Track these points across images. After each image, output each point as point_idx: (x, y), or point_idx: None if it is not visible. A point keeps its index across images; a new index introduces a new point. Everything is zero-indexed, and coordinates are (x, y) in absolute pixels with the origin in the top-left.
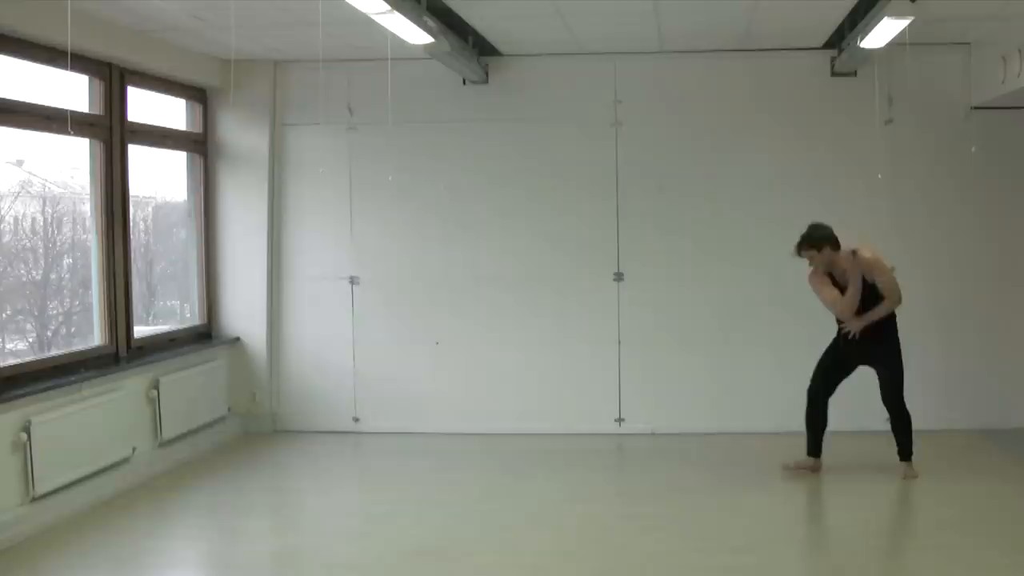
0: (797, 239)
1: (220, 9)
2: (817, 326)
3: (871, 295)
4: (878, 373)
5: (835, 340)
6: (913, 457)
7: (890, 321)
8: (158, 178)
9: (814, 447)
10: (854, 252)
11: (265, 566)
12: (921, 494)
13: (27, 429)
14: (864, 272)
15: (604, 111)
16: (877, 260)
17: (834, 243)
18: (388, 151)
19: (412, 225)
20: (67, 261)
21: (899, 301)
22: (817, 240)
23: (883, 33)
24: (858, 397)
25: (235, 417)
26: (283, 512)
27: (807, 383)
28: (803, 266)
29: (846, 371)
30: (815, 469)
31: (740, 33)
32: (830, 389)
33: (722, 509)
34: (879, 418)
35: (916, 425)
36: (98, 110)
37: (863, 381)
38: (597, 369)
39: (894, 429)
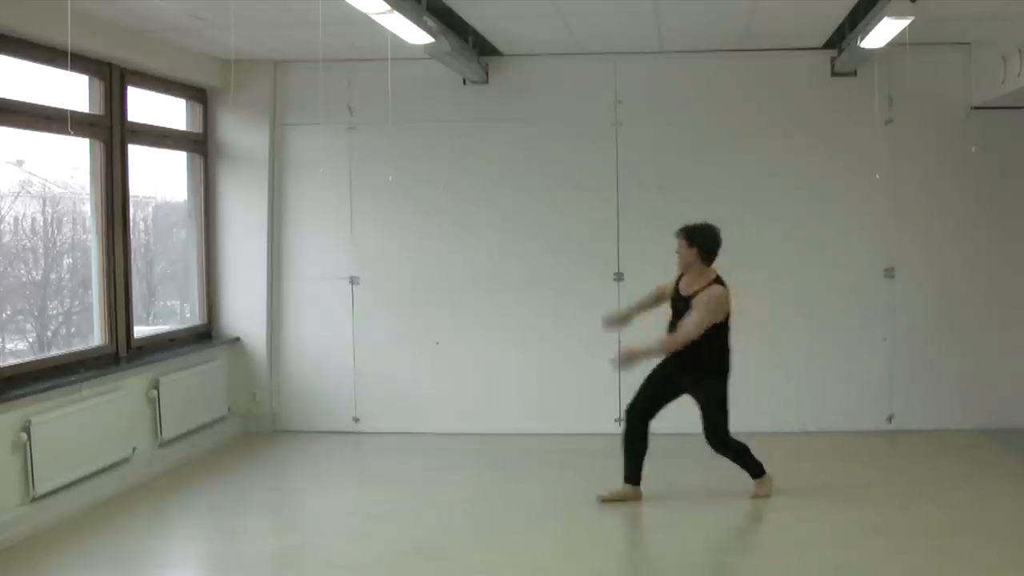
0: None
1: (220, 9)
2: (817, 326)
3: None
4: (697, 403)
5: (665, 360)
6: (766, 473)
7: (705, 363)
8: (158, 178)
9: (631, 472)
10: (713, 280)
11: (265, 566)
12: (921, 494)
13: (27, 429)
14: (695, 299)
15: (604, 111)
16: (712, 298)
17: (707, 253)
18: (388, 151)
19: (412, 225)
20: (67, 261)
21: (680, 342)
22: (696, 237)
23: (883, 33)
24: (855, 397)
25: (235, 417)
26: (283, 512)
27: (807, 382)
28: (803, 266)
29: (668, 391)
30: (635, 497)
31: (740, 33)
32: (648, 404)
33: (722, 509)
34: (879, 418)
35: (916, 425)
36: (98, 110)
37: (863, 380)
38: (597, 369)
39: (735, 461)
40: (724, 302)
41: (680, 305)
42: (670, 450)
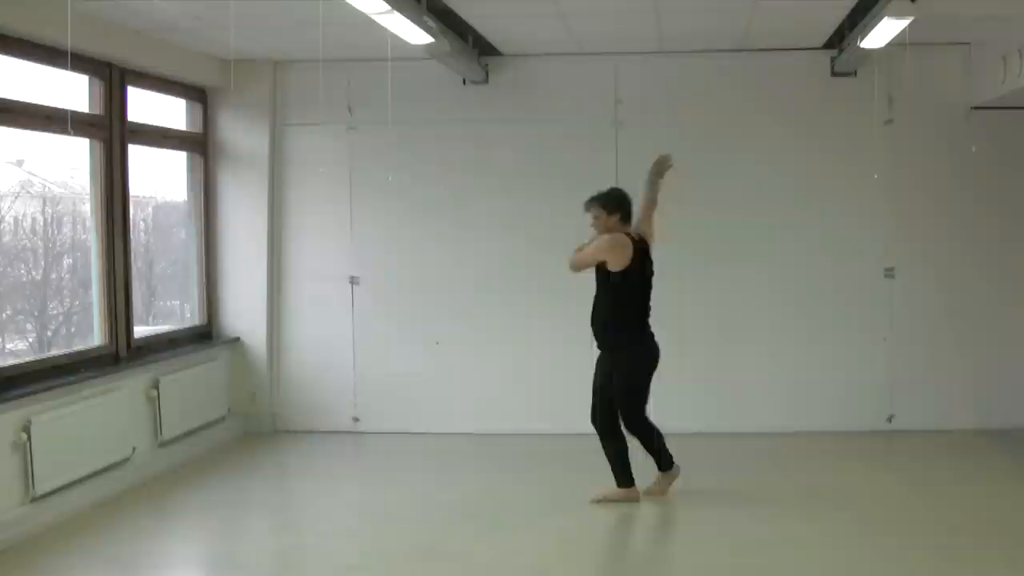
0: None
1: (220, 9)
2: (817, 326)
3: (602, 280)
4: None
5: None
6: (674, 467)
7: (615, 332)
8: (158, 178)
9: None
10: (628, 235)
11: (265, 566)
12: (921, 494)
13: (27, 429)
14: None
15: (604, 111)
16: (612, 238)
17: (627, 214)
18: (388, 151)
19: (412, 225)
20: (67, 261)
21: (572, 267)
22: (613, 203)
23: (883, 33)
24: (855, 397)
25: (235, 417)
26: (283, 512)
27: (807, 382)
28: (803, 266)
29: (605, 377)
30: (633, 498)
31: (740, 33)
32: (599, 404)
33: (722, 509)
34: (879, 418)
35: (916, 425)
36: (98, 110)
37: (863, 380)
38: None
39: (643, 445)
40: (625, 247)
41: (601, 273)
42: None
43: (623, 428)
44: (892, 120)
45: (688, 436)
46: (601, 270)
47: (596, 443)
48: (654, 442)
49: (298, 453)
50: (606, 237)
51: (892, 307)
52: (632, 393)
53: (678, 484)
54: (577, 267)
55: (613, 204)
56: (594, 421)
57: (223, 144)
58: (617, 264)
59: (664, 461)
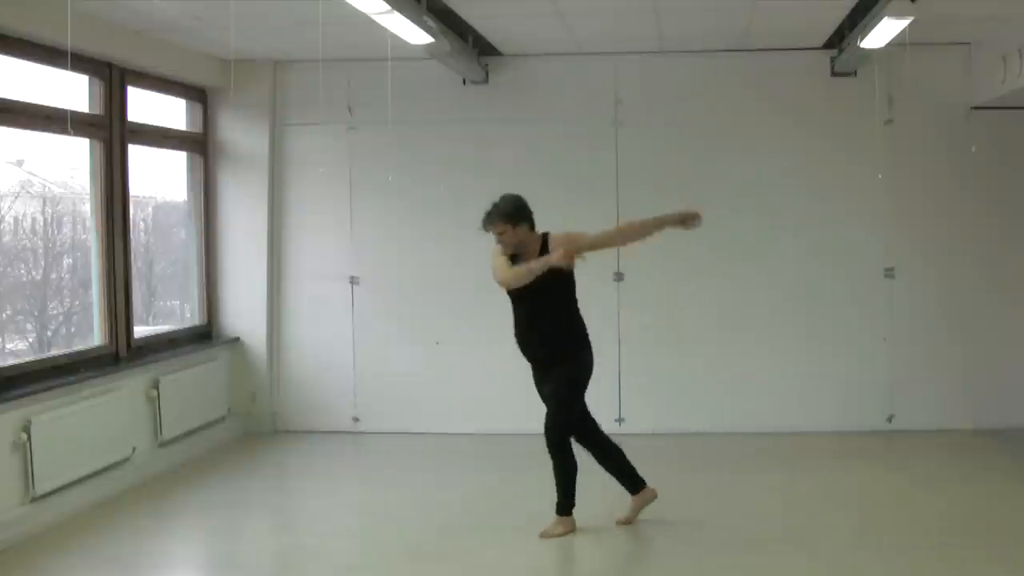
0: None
1: (220, 9)
2: (817, 326)
3: (557, 286)
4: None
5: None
6: (573, 511)
7: (566, 344)
8: (158, 178)
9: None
10: (545, 235)
11: (265, 566)
12: (921, 494)
13: (27, 429)
14: (558, 246)
15: (604, 111)
16: (568, 235)
17: (531, 222)
18: (388, 151)
19: (412, 225)
20: (67, 261)
21: (515, 280)
22: (516, 215)
23: (883, 33)
24: (855, 397)
25: (235, 417)
26: (283, 512)
27: (807, 382)
28: (803, 266)
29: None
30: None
31: (740, 33)
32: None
33: (722, 509)
34: (879, 418)
35: (916, 425)
36: (98, 110)
37: (863, 380)
38: (597, 369)
39: (554, 471)
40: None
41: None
42: (671, 450)
43: (553, 442)
44: (892, 120)
45: (688, 436)
46: (552, 275)
47: None
48: (574, 471)
49: (298, 453)
50: (562, 238)
51: (892, 307)
52: (574, 398)
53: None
54: (522, 281)
55: (518, 215)
56: (582, 440)
57: (223, 144)
58: (572, 264)
59: (570, 501)
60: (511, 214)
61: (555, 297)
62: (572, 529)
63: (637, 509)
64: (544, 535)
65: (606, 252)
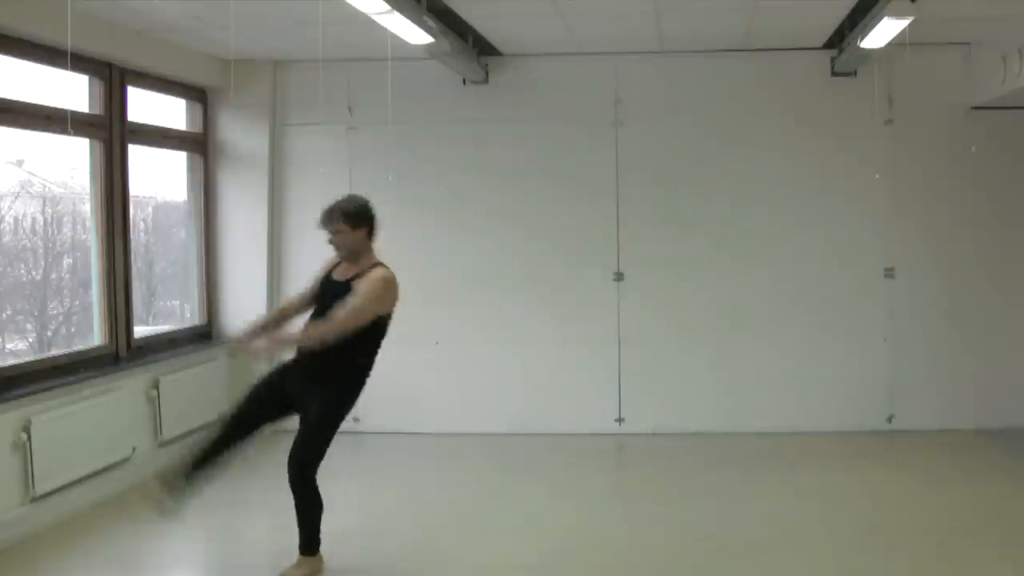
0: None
1: (220, 9)
2: (817, 326)
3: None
4: (303, 420)
5: (290, 362)
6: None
7: (353, 371)
8: (158, 178)
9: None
10: (378, 263)
11: (265, 566)
12: (921, 494)
13: (27, 429)
14: (359, 282)
15: (604, 111)
16: (383, 279)
17: (373, 231)
18: (388, 151)
19: (412, 225)
20: (67, 261)
21: (333, 329)
22: (360, 217)
23: (883, 33)
24: (855, 397)
25: None
26: (283, 512)
27: (807, 382)
28: (803, 266)
29: (279, 403)
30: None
31: (740, 33)
32: (248, 418)
33: (722, 509)
34: (879, 418)
35: (916, 425)
36: (98, 110)
37: (863, 380)
38: (597, 369)
39: (295, 505)
40: (396, 288)
41: (331, 294)
42: (671, 450)
43: (307, 475)
44: (892, 120)
45: (688, 436)
46: (340, 287)
47: (597, 443)
48: (318, 510)
49: None
50: (379, 278)
51: (892, 307)
52: (330, 436)
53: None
54: (336, 333)
55: (359, 217)
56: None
57: (223, 144)
58: (386, 308)
59: (316, 541)
60: (353, 215)
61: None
62: (320, 570)
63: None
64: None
65: (606, 251)
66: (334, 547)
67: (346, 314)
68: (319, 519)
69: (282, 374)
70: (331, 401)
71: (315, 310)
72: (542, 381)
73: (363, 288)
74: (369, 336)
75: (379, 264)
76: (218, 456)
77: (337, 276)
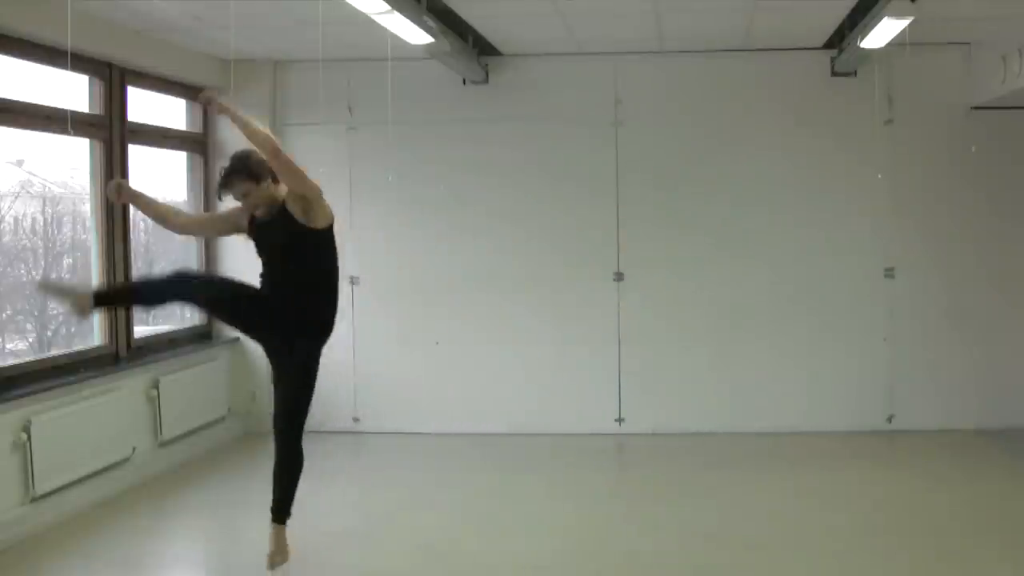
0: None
1: (220, 9)
2: (817, 326)
3: (305, 251)
4: (282, 371)
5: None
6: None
7: (321, 311)
8: (158, 178)
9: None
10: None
11: (265, 566)
12: (921, 494)
13: (27, 429)
14: (291, 195)
15: (604, 111)
16: (316, 186)
17: (269, 173)
18: (388, 151)
19: (412, 225)
20: (67, 261)
21: (272, 140)
22: (256, 167)
23: (883, 33)
24: (855, 397)
25: (235, 417)
26: None
27: (807, 382)
28: (803, 266)
29: (265, 319)
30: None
31: (740, 33)
32: (226, 293)
33: (722, 509)
34: (879, 418)
35: (916, 425)
36: (98, 110)
37: (863, 380)
38: (597, 369)
39: (274, 470)
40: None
41: (271, 234)
42: (671, 450)
43: (297, 434)
44: (892, 120)
45: (688, 436)
46: (297, 228)
47: (597, 443)
48: (300, 469)
49: None
50: (316, 184)
51: (892, 307)
52: (315, 379)
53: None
54: (293, 170)
55: (259, 168)
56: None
57: (223, 144)
58: (326, 218)
59: (289, 504)
60: (252, 170)
61: (296, 256)
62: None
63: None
64: (272, 561)
65: (606, 251)
66: (334, 547)
67: (287, 155)
68: (298, 480)
69: (267, 315)
70: (308, 349)
71: (261, 257)
72: (542, 381)
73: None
74: (324, 254)
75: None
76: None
77: (263, 216)
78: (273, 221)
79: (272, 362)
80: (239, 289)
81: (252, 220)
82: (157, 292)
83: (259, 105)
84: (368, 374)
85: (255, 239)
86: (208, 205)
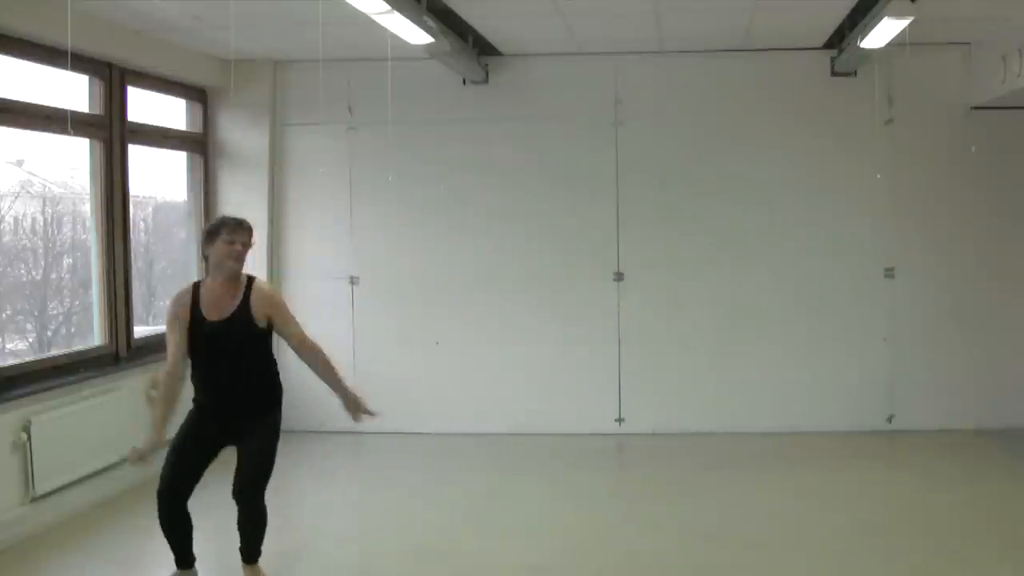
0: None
1: (220, 9)
2: (817, 326)
3: (259, 345)
4: (244, 447)
5: (195, 411)
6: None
7: (277, 388)
8: (158, 178)
9: (182, 556)
10: (251, 279)
11: (265, 566)
12: (921, 494)
13: (27, 429)
14: (262, 309)
15: (604, 111)
16: (279, 296)
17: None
18: (388, 151)
19: (412, 225)
20: (67, 261)
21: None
22: (251, 231)
23: (883, 33)
24: (855, 397)
25: None
26: (283, 512)
27: (808, 382)
28: (803, 266)
29: (211, 450)
30: None
31: (740, 33)
32: (190, 478)
33: (722, 509)
34: (879, 418)
35: (916, 425)
36: (98, 110)
37: (863, 380)
38: (597, 369)
39: (241, 524)
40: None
41: (218, 335)
42: (671, 450)
43: (259, 500)
44: (892, 120)
45: (688, 436)
46: (255, 331)
47: (597, 443)
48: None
49: (298, 453)
50: (277, 298)
51: (892, 307)
52: (277, 445)
53: None
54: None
55: (251, 234)
56: (166, 493)
57: (223, 144)
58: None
59: (259, 549)
60: (250, 229)
61: (250, 351)
62: None
63: None
64: None
65: (606, 251)
66: (334, 547)
67: (311, 340)
68: (265, 528)
69: (199, 424)
70: (273, 421)
71: (203, 357)
72: (542, 381)
73: (283, 315)
74: (266, 345)
75: (251, 276)
76: (177, 519)
77: (211, 315)
78: (231, 325)
79: (209, 440)
80: (184, 447)
81: (191, 322)
82: (174, 524)
83: (259, 105)
84: (368, 374)
85: (206, 340)
86: (208, 205)
